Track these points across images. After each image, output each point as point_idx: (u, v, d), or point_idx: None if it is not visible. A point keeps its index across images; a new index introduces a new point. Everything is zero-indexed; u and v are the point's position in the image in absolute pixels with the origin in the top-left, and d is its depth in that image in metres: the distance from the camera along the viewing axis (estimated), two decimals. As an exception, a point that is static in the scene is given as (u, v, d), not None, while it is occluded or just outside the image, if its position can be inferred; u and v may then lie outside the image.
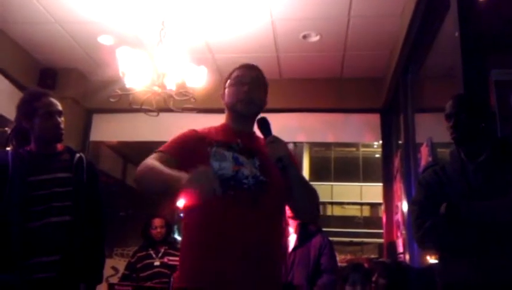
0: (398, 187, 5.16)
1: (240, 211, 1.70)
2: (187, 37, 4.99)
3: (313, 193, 1.89)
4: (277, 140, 1.77)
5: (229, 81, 1.97)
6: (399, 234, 5.11)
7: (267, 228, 1.77)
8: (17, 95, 5.10)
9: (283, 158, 1.71)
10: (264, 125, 1.84)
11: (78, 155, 2.51)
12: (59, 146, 2.50)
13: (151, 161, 1.76)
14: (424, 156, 3.95)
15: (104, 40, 5.19)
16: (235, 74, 1.97)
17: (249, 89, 1.90)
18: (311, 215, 2.06)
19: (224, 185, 1.67)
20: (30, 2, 4.56)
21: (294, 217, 3.43)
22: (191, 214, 1.80)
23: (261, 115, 1.95)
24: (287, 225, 3.83)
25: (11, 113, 4.30)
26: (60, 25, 4.95)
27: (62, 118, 2.48)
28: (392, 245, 5.31)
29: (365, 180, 21.60)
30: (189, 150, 1.79)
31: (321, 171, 21.74)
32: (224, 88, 1.98)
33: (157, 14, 4.44)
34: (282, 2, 4.43)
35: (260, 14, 4.64)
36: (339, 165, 22.83)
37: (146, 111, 4.26)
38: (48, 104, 2.44)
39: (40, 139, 2.43)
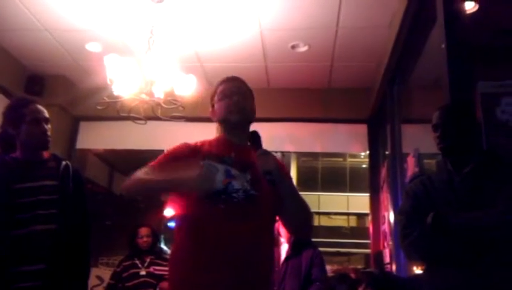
0: (385, 197, 5.18)
1: (230, 224, 1.71)
2: (176, 46, 4.99)
3: (305, 208, 1.89)
4: (266, 153, 1.78)
5: (216, 97, 1.98)
6: (386, 244, 5.13)
7: (257, 241, 1.77)
8: (3, 102, 5.07)
9: (271, 171, 1.72)
10: (255, 139, 1.86)
11: (64, 163, 2.48)
12: (45, 153, 2.47)
13: (141, 175, 1.77)
14: (411, 167, 3.97)
15: (92, 47, 5.17)
16: (220, 88, 1.98)
17: (238, 98, 1.91)
18: (303, 231, 2.08)
19: (215, 199, 1.69)
20: (19, 9, 4.53)
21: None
22: (182, 227, 1.80)
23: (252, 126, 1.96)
24: (279, 235, 3.84)
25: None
26: (49, 32, 4.93)
27: (49, 126, 2.46)
28: (379, 255, 5.32)
29: (352, 190, 21.64)
30: (182, 165, 1.77)
31: (308, 181, 21.73)
32: (212, 105, 1.99)
33: (146, 22, 4.43)
34: (271, 13, 4.45)
35: (249, 24, 4.65)
36: (326, 175, 22.85)
37: (134, 119, 4.24)
38: (34, 111, 2.42)
39: (26, 146, 2.41)
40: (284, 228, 1.98)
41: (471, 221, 1.94)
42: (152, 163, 1.85)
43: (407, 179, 4.02)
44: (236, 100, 1.91)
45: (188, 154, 1.85)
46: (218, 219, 1.70)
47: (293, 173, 20.67)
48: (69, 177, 2.44)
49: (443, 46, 2.62)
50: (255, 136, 1.86)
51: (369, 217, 5.94)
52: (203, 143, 1.94)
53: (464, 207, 1.98)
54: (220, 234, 1.70)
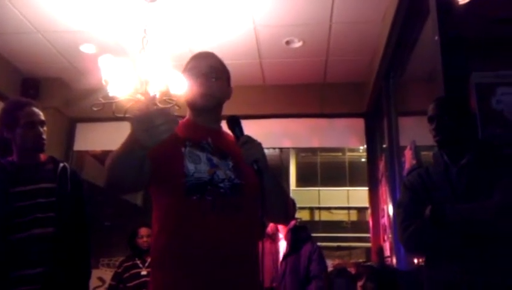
0: (384, 191, 5.19)
1: (218, 216, 1.64)
2: (170, 44, 4.98)
3: (286, 195, 1.87)
4: (251, 141, 1.64)
5: (185, 74, 1.84)
6: (386, 237, 5.14)
7: (246, 231, 1.71)
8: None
9: (258, 160, 1.61)
10: (236, 125, 1.68)
11: (61, 165, 2.47)
12: (42, 156, 2.47)
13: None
14: (408, 159, 3.97)
15: (86, 48, 5.16)
16: (190, 64, 1.85)
17: (205, 80, 1.78)
18: (283, 217, 2.04)
19: (202, 190, 1.63)
20: (11, 12, 4.52)
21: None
22: (165, 221, 1.69)
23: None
24: (278, 231, 3.84)
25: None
26: (42, 35, 4.92)
27: (44, 128, 2.45)
28: (379, 249, 5.33)
29: (352, 184, 21.65)
30: (161, 150, 1.56)
31: (308, 176, 21.75)
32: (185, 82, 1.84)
33: (139, 22, 4.42)
34: (265, 9, 4.44)
35: (243, 21, 4.65)
36: (326, 170, 22.85)
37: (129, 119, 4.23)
38: (30, 114, 2.41)
39: (22, 149, 2.40)
40: (264, 213, 1.80)
41: (468, 213, 1.94)
42: None
43: (405, 172, 4.02)
44: (202, 82, 1.77)
45: (167, 139, 1.58)
46: (206, 211, 1.62)
47: (292, 169, 20.70)
48: (66, 179, 2.43)
49: (436, 38, 2.62)
50: (236, 122, 1.68)
51: (369, 211, 5.95)
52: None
53: (461, 199, 1.99)
54: (208, 227, 1.62)
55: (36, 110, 2.45)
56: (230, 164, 1.74)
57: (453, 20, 2.67)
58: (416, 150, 3.79)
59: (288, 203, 1.96)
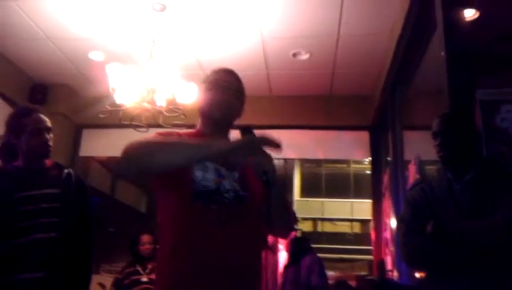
0: (387, 204, 5.18)
1: (222, 226, 1.65)
2: (177, 54, 5.01)
3: (289, 209, 1.88)
4: (262, 152, 1.64)
5: (206, 85, 1.86)
6: (387, 251, 5.12)
7: (250, 242, 1.72)
8: (7, 110, 5.10)
9: (268, 172, 1.62)
10: (249, 136, 1.68)
11: (66, 171, 2.49)
12: (47, 162, 2.48)
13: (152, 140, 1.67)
14: (412, 174, 3.97)
15: (94, 56, 5.20)
16: (212, 77, 1.87)
17: (226, 94, 1.81)
18: (284, 231, 2.05)
19: (207, 199, 1.64)
20: (22, 19, 4.57)
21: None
22: (170, 228, 1.70)
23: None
24: (277, 242, 3.84)
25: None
26: (52, 41, 4.96)
27: (51, 135, 2.47)
28: (380, 262, 5.31)
29: (356, 196, 21.59)
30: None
31: (312, 187, 21.72)
32: (201, 93, 1.88)
33: (147, 31, 4.46)
34: (272, 21, 4.47)
35: (251, 33, 4.68)
36: (330, 181, 22.81)
37: (135, 127, 4.25)
38: (36, 121, 2.43)
39: (28, 155, 2.42)
40: (265, 224, 1.81)
41: (471, 229, 1.94)
42: (150, 137, 1.72)
43: (409, 186, 4.02)
44: (224, 96, 1.80)
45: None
46: (211, 221, 1.64)
47: (297, 180, 20.68)
48: (71, 185, 2.45)
49: (442, 54, 2.63)
50: (250, 132, 1.68)
51: (372, 224, 5.94)
52: (186, 135, 1.85)
53: (464, 215, 1.98)
54: (213, 236, 1.64)
55: (43, 116, 2.47)
56: (237, 175, 1.75)
57: (459, 35, 2.68)
58: (421, 165, 3.79)
59: (290, 218, 1.96)
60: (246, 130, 1.69)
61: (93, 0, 4.28)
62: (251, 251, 1.74)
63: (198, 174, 1.68)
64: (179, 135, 1.86)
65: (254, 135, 1.69)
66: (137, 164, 1.58)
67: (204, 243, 1.64)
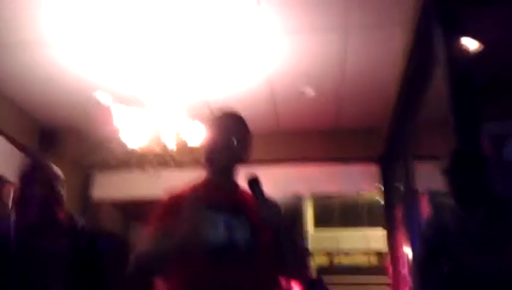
0: (402, 237, 5.10)
1: (236, 279, 1.64)
2: (184, 94, 5.05)
3: (302, 252, 1.86)
4: (269, 202, 1.68)
5: (211, 129, 1.88)
6: (407, 288, 4.98)
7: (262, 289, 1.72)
8: (15, 154, 5.14)
9: (275, 222, 1.65)
10: (256, 186, 1.72)
11: (78, 223, 2.50)
12: (60, 214, 2.49)
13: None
14: (425, 206, 3.93)
15: (102, 98, 5.23)
16: (219, 122, 1.89)
17: (228, 140, 1.82)
18: (299, 274, 2.04)
19: (218, 254, 1.64)
20: (29, 60, 4.58)
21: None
22: (176, 286, 1.70)
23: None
24: (291, 286, 3.78)
25: (9, 173, 4.28)
26: (58, 84, 4.98)
27: (62, 186, 2.48)
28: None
29: (370, 225, 21.28)
30: (175, 222, 1.63)
31: (325, 218, 21.48)
32: (206, 138, 1.89)
33: (154, 72, 4.51)
34: (279, 59, 4.52)
35: (257, 71, 4.72)
36: (343, 211, 22.55)
37: (146, 171, 4.28)
38: (47, 174, 2.45)
39: (41, 207, 2.43)
40: (279, 270, 1.82)
41: (486, 267, 1.91)
42: (147, 230, 1.73)
43: (422, 218, 3.98)
44: (223, 142, 1.81)
45: (178, 207, 1.69)
46: (223, 275, 1.63)
47: (310, 211, 20.49)
48: (82, 238, 2.46)
49: (446, 89, 2.62)
50: (256, 184, 1.72)
51: (388, 257, 5.82)
52: (190, 189, 1.83)
53: (478, 253, 1.96)
54: (226, 286, 1.63)
55: (54, 169, 2.49)
56: (247, 224, 1.74)
57: (462, 70, 2.67)
58: (432, 197, 3.75)
59: (304, 259, 1.95)
60: (252, 181, 1.73)
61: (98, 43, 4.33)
62: None
63: (207, 234, 1.67)
64: (177, 199, 1.79)
65: (259, 184, 1.71)
66: (141, 279, 1.68)
67: None
